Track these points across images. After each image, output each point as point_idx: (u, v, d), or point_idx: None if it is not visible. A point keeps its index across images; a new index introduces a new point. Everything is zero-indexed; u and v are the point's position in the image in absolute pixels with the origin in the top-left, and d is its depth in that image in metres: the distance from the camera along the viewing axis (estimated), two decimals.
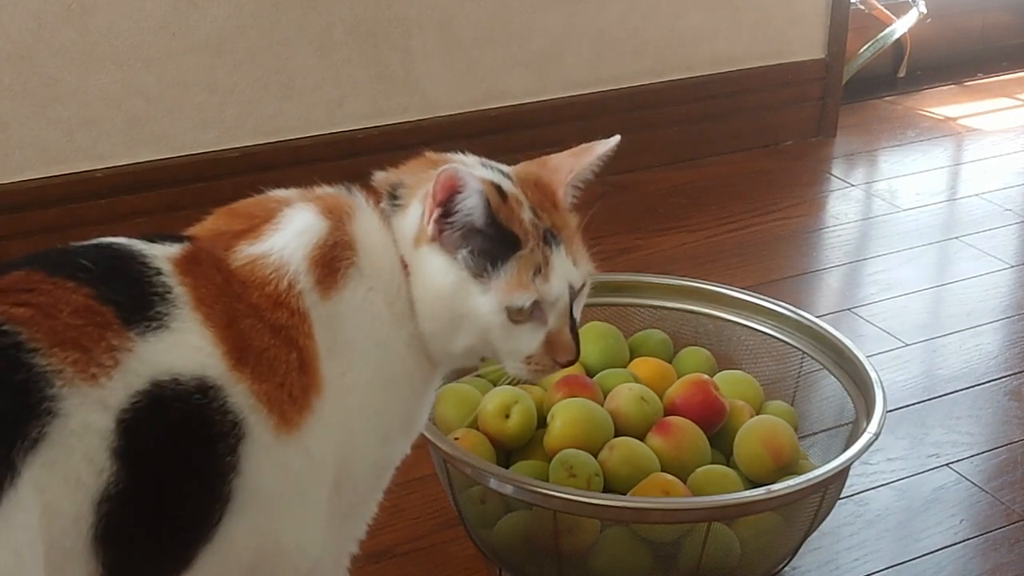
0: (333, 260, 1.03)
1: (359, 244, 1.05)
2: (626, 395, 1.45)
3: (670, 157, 2.53)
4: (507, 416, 1.42)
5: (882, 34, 2.90)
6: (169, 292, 0.95)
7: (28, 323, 0.87)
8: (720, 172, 2.53)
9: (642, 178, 2.46)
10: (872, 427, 1.36)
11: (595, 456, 1.37)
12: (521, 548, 1.34)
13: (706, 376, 1.49)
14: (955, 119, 2.86)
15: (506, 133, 2.36)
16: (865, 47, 2.88)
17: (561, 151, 1.19)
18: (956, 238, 2.30)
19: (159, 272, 0.96)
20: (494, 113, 2.35)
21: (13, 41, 1.96)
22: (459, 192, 1.02)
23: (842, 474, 1.34)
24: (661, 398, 1.47)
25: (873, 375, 1.44)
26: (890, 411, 1.55)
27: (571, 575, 1.33)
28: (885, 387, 1.42)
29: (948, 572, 1.46)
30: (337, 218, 1.05)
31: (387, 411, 1.08)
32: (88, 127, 2.05)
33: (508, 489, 1.28)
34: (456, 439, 1.38)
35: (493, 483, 1.28)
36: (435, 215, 1.04)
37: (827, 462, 1.32)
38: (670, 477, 1.35)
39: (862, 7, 2.88)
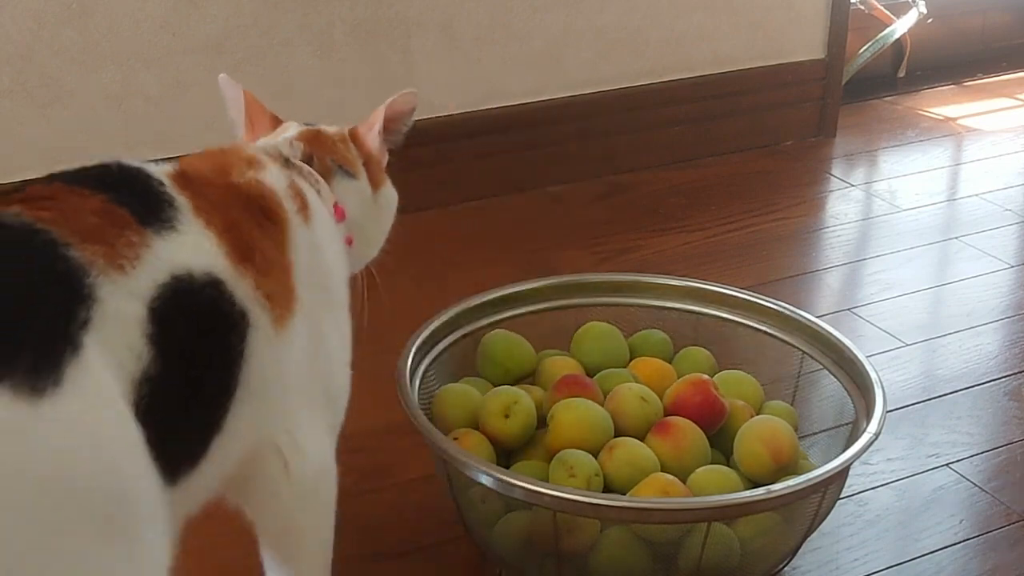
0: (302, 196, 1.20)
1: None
2: (626, 395, 1.45)
3: (670, 157, 2.53)
4: (507, 416, 1.42)
5: (882, 34, 2.91)
6: (173, 200, 1.04)
7: (57, 223, 0.95)
8: (720, 172, 2.53)
9: (642, 178, 2.47)
10: (872, 427, 1.36)
11: (595, 456, 1.37)
12: (521, 548, 1.34)
13: (706, 376, 1.49)
14: (955, 119, 2.86)
15: (506, 133, 2.36)
16: (865, 47, 2.88)
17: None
18: (956, 238, 2.30)
19: (162, 184, 1.06)
20: (494, 113, 2.35)
21: (13, 41, 1.96)
22: None
23: (842, 474, 1.34)
24: (661, 398, 1.47)
25: (873, 375, 1.44)
26: (890, 411, 1.55)
27: (571, 575, 1.33)
28: (885, 387, 1.42)
29: (948, 572, 1.46)
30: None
31: (348, 325, 1.25)
32: (88, 127, 2.05)
33: (508, 489, 1.28)
34: (456, 439, 1.39)
35: (493, 483, 1.28)
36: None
37: (827, 462, 1.32)
38: (670, 477, 1.35)
39: (862, 7, 2.88)
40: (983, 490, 1.60)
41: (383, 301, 1.52)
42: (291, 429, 1.13)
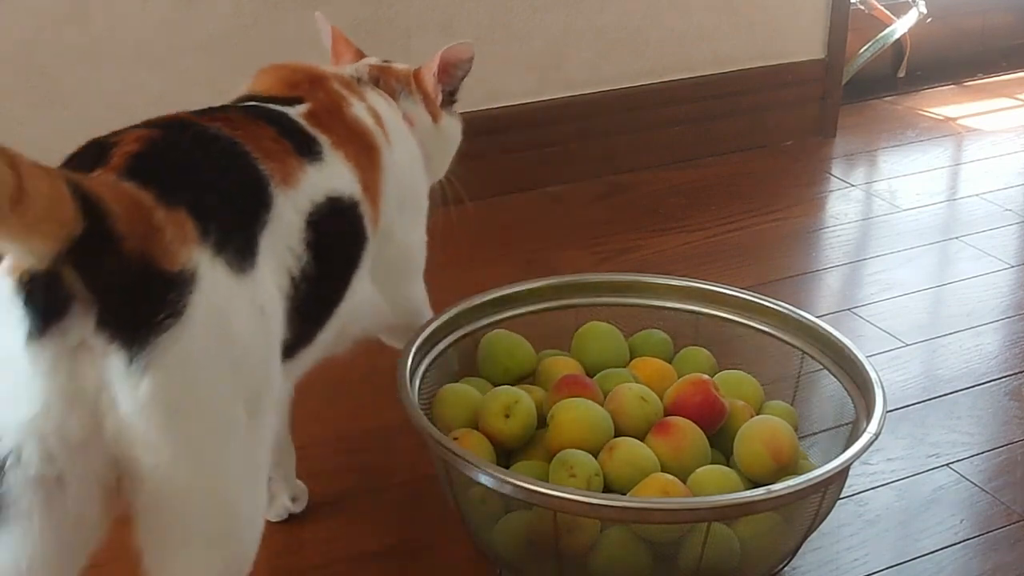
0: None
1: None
2: (626, 395, 1.45)
3: (670, 157, 2.53)
4: (507, 416, 1.42)
5: (882, 34, 2.90)
6: (316, 137, 1.25)
7: (248, 141, 1.15)
8: (720, 172, 2.53)
9: (642, 178, 2.47)
10: (872, 427, 1.36)
11: (595, 456, 1.37)
12: (521, 548, 1.34)
13: (706, 376, 1.49)
14: (955, 119, 2.86)
15: (506, 133, 2.36)
16: (865, 47, 2.88)
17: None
18: (956, 238, 2.30)
19: (302, 123, 1.26)
20: (494, 113, 2.35)
21: (13, 41, 1.96)
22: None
23: (842, 474, 1.34)
24: (661, 398, 1.47)
25: (873, 375, 1.44)
26: (890, 411, 1.55)
27: (571, 575, 1.33)
28: (885, 387, 1.42)
29: (948, 572, 1.47)
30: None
31: (425, 217, 1.49)
32: (88, 127, 2.04)
33: (508, 489, 1.28)
34: (456, 439, 1.39)
35: (493, 483, 1.28)
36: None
37: (827, 462, 1.32)
38: (670, 477, 1.35)
39: (862, 7, 2.88)
40: (983, 490, 1.60)
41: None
42: (375, 304, 1.39)
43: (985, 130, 2.81)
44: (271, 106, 1.27)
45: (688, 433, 1.41)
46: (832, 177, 2.56)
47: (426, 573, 1.45)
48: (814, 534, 1.39)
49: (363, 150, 1.31)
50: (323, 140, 1.25)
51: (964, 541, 1.51)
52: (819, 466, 1.32)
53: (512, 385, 1.50)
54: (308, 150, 1.22)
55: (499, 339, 1.56)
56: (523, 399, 1.43)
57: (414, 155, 1.45)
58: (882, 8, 2.92)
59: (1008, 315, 2.03)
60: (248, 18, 2.09)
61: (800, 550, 1.41)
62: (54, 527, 0.98)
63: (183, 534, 1.04)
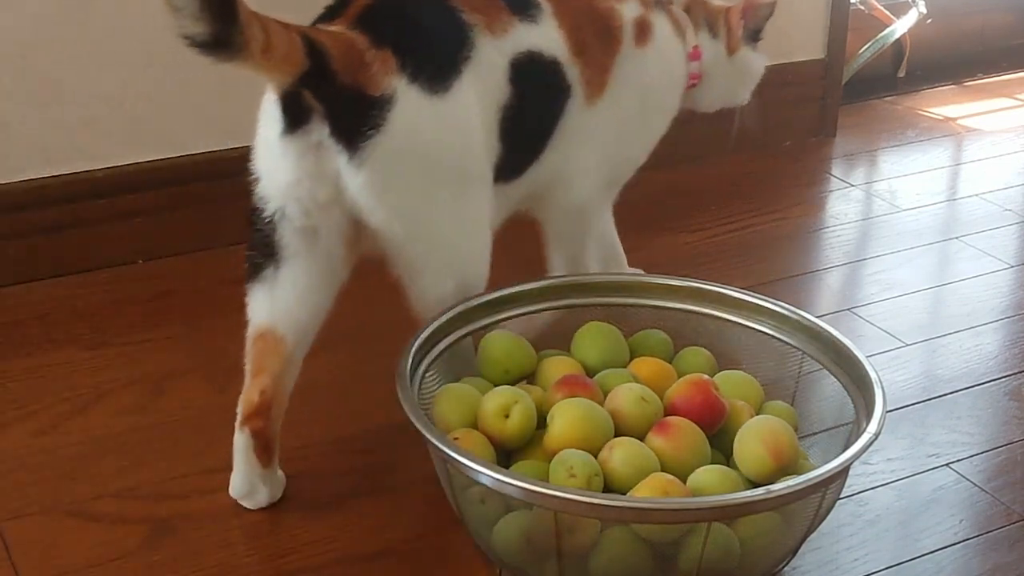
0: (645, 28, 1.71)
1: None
2: (626, 395, 1.45)
3: (670, 157, 2.53)
4: (507, 416, 1.42)
5: (882, 34, 2.90)
6: (540, 5, 1.57)
7: (460, 2, 1.48)
8: (720, 172, 2.53)
9: (642, 178, 2.46)
10: (872, 427, 1.36)
11: (595, 456, 1.37)
12: (521, 548, 1.34)
13: (706, 376, 1.49)
14: (955, 119, 2.86)
15: None
16: (865, 47, 2.88)
17: None
18: (956, 238, 2.30)
19: None
20: None
21: (13, 41, 1.96)
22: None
23: (842, 474, 1.34)
24: (661, 398, 1.47)
25: (873, 375, 1.44)
26: (890, 411, 1.55)
27: (571, 575, 1.33)
28: (885, 387, 1.42)
29: (948, 572, 1.47)
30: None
31: (659, 129, 1.81)
32: (88, 127, 2.05)
33: (508, 489, 1.28)
34: (456, 439, 1.38)
35: (493, 483, 1.28)
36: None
37: (827, 462, 1.32)
38: (670, 477, 1.35)
39: (862, 7, 2.88)
40: (983, 490, 1.60)
41: (381, 301, 1.52)
42: (572, 173, 1.68)
43: (985, 130, 2.81)
44: None
45: (688, 433, 1.41)
46: (832, 177, 2.56)
47: (426, 573, 1.45)
48: (814, 534, 1.39)
49: (598, 33, 1.63)
50: (546, 8, 1.57)
51: (964, 541, 1.51)
52: (819, 466, 1.32)
53: (512, 385, 1.50)
54: (523, 11, 1.54)
55: (499, 339, 1.56)
56: (523, 399, 1.43)
57: (672, 73, 1.77)
58: (882, 8, 2.92)
59: (1008, 315, 2.03)
60: None
61: (800, 550, 1.41)
62: (314, 263, 1.44)
63: (416, 267, 1.48)
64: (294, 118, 1.37)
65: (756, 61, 1.86)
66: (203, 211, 2.13)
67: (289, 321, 1.45)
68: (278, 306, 1.45)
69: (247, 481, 1.50)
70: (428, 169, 1.43)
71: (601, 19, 1.65)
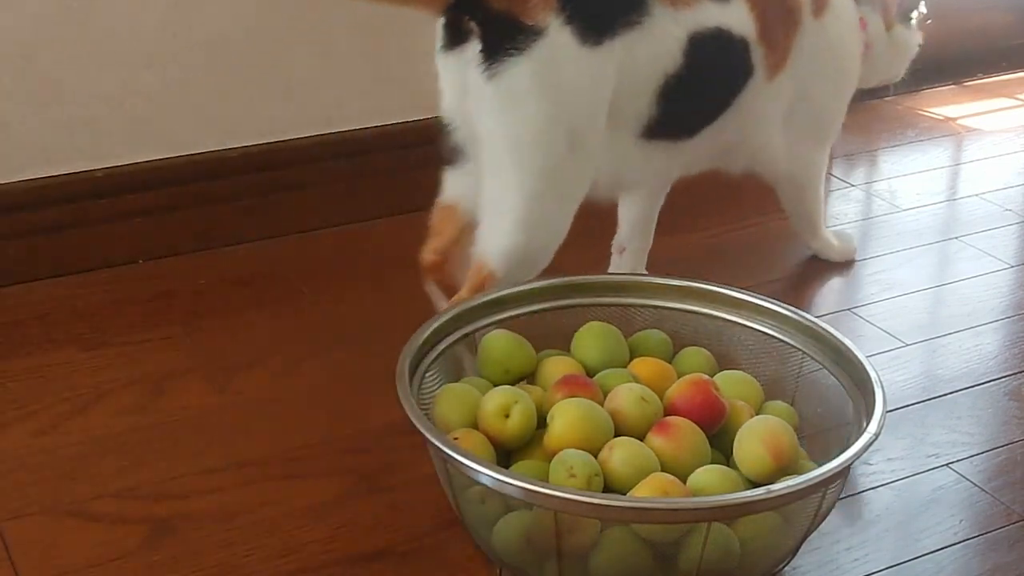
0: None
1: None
2: (626, 395, 1.45)
3: None
4: (507, 416, 1.42)
5: None
6: None
7: None
8: (720, 172, 2.53)
9: None
10: (872, 427, 1.36)
11: (595, 456, 1.37)
12: (521, 548, 1.34)
13: (706, 376, 1.49)
14: (955, 119, 2.86)
15: None
16: None
17: None
18: (956, 238, 2.30)
19: None
20: None
21: (13, 41, 1.96)
22: None
23: (842, 474, 1.34)
24: (661, 398, 1.47)
25: (873, 375, 1.44)
26: (890, 411, 1.55)
27: (571, 575, 1.33)
28: (885, 387, 1.42)
29: (948, 572, 1.47)
30: None
31: (847, 86, 1.98)
32: (88, 127, 2.05)
33: (508, 489, 1.28)
34: (456, 439, 1.38)
35: (493, 483, 1.28)
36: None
37: (827, 462, 1.32)
38: (670, 477, 1.35)
39: None
40: (983, 490, 1.60)
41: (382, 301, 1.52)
42: (765, 142, 1.88)
43: (985, 130, 2.81)
44: None
45: (688, 433, 1.41)
46: (832, 177, 2.55)
47: (426, 573, 1.45)
48: (814, 534, 1.39)
49: (780, 10, 1.77)
50: None
51: (964, 541, 1.51)
52: (819, 466, 1.32)
53: (512, 385, 1.50)
54: None
55: (499, 339, 1.56)
56: (523, 399, 1.43)
57: (849, 41, 1.91)
58: None
59: (1008, 315, 2.03)
60: (248, 18, 2.09)
61: (800, 550, 1.41)
62: (480, 164, 1.61)
63: (496, 204, 1.59)
64: (453, 37, 1.56)
65: (913, 37, 2.01)
66: (203, 211, 2.13)
67: (465, 203, 1.68)
68: (457, 190, 1.69)
69: None
70: (547, 110, 1.54)
71: (785, 1, 1.79)
